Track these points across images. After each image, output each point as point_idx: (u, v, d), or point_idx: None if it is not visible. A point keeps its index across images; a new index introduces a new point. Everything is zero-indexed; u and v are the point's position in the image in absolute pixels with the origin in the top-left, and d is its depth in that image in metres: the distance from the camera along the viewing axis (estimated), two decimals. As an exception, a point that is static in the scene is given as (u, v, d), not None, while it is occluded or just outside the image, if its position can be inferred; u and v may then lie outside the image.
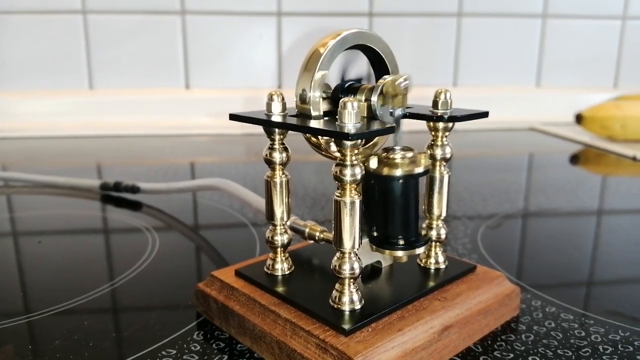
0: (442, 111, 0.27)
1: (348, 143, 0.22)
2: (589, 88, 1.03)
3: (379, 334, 0.23)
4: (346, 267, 0.24)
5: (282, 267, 0.28)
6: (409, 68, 0.98)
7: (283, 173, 0.28)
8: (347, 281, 0.24)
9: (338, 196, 0.23)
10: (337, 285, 0.25)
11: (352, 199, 0.23)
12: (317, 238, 0.29)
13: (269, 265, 0.28)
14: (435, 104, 0.27)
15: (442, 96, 0.27)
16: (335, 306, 0.24)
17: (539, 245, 0.40)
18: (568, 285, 0.33)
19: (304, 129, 0.24)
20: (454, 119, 0.26)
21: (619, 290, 0.33)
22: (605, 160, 0.73)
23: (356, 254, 0.24)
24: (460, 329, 0.26)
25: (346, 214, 0.23)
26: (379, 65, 0.28)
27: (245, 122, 0.26)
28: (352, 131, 0.21)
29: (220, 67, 0.94)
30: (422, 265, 0.29)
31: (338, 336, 0.23)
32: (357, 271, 0.24)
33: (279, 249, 0.28)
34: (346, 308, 0.24)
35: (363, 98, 0.26)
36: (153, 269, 0.35)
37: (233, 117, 0.27)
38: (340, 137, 0.22)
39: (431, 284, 0.27)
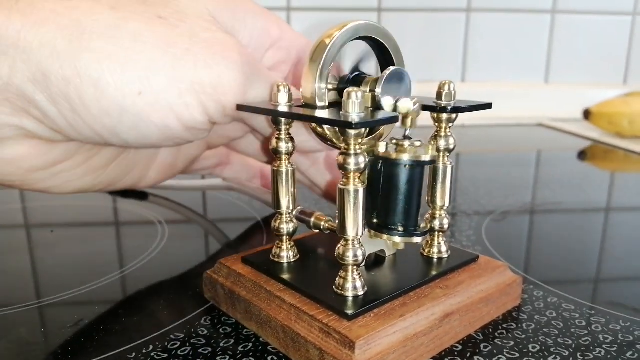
0: (445, 102, 0.27)
1: (352, 132, 0.23)
2: (598, 84, 1.02)
3: (381, 319, 0.24)
4: (350, 255, 0.24)
5: (287, 255, 0.29)
6: (418, 63, 0.99)
7: (289, 163, 0.28)
8: (350, 268, 0.25)
9: (342, 185, 0.24)
10: (340, 272, 0.25)
11: (355, 188, 0.24)
12: (322, 227, 0.30)
13: (275, 253, 0.29)
14: (439, 95, 0.27)
15: (446, 87, 0.27)
16: (339, 292, 0.25)
17: (544, 239, 0.41)
18: (571, 278, 0.34)
19: (309, 119, 0.25)
20: (457, 110, 0.27)
21: (621, 283, 0.33)
22: (613, 157, 0.73)
23: (360, 242, 0.25)
24: (461, 317, 0.26)
25: (350, 202, 0.24)
26: (385, 57, 0.28)
27: (252, 112, 0.27)
28: (356, 120, 0.22)
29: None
30: (424, 254, 0.30)
31: (341, 321, 0.23)
32: (361, 258, 0.25)
33: (284, 237, 0.29)
34: (349, 294, 0.24)
35: (368, 89, 0.26)
36: (162, 258, 0.36)
37: (240, 107, 0.27)
38: (344, 126, 0.22)
39: (433, 272, 0.28)
